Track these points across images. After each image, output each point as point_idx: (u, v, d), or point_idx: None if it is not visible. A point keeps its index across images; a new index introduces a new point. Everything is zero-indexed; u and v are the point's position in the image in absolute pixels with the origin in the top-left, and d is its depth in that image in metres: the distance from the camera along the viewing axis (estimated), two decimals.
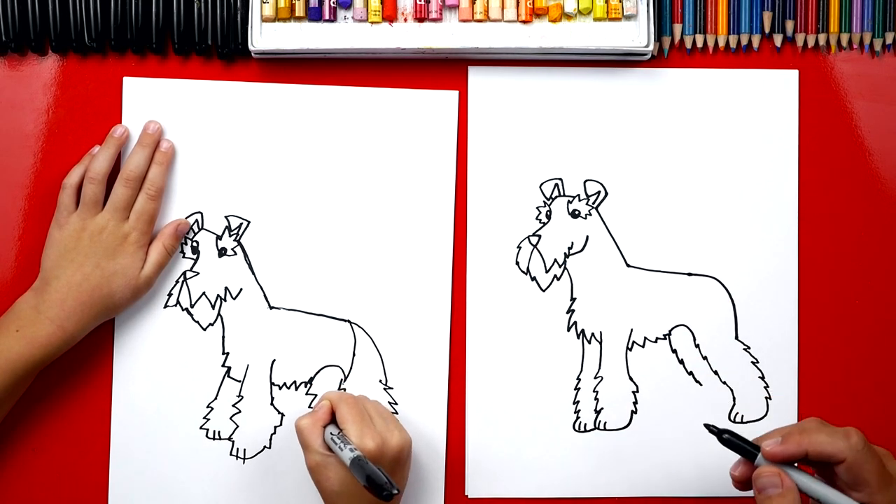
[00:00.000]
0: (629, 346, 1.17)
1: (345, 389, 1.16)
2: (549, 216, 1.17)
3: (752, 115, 1.17)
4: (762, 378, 1.17)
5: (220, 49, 1.15)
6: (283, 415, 1.16)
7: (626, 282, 1.17)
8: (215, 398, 1.16)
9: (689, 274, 1.17)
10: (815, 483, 0.99)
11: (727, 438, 1.00)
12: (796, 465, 1.00)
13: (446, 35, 1.14)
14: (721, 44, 1.17)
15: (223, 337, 1.16)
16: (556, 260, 1.17)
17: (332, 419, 1.10)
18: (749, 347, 1.17)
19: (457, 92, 1.17)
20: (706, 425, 1.02)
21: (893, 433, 1.18)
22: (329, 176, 1.16)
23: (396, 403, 1.16)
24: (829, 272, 1.17)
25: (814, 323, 1.17)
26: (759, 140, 1.17)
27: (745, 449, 1.00)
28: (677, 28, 1.16)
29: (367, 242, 1.16)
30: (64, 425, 1.16)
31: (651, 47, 1.14)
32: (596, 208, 1.17)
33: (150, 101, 1.16)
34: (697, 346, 1.17)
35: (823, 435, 0.99)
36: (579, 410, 1.17)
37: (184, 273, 1.16)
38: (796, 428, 1.00)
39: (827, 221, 1.17)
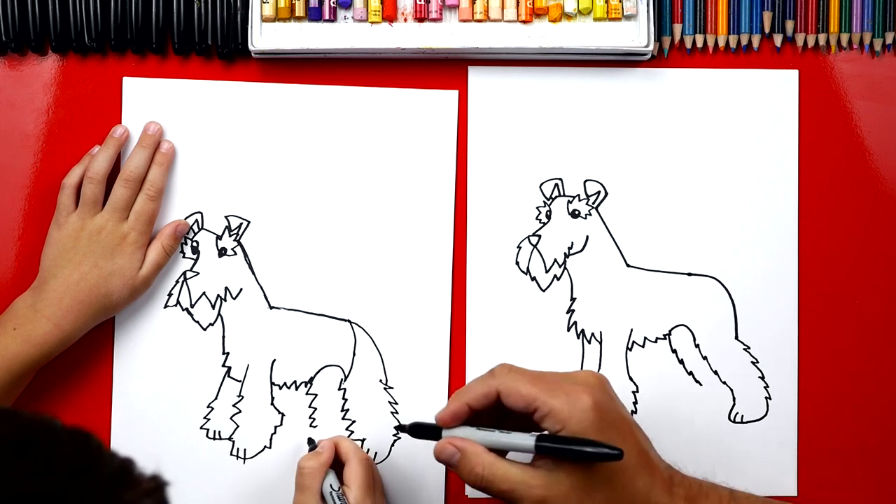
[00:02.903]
0: (629, 346, 1.17)
1: (345, 390, 1.16)
2: (549, 216, 1.17)
3: (752, 115, 1.17)
4: (762, 378, 1.17)
5: (220, 49, 1.15)
6: (283, 415, 1.16)
7: (626, 282, 1.17)
8: (215, 398, 1.16)
9: (689, 274, 1.17)
10: (487, 433, 0.97)
11: (414, 430, 1.01)
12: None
13: (446, 35, 1.14)
14: (721, 44, 1.17)
15: (223, 337, 1.16)
16: (556, 260, 1.17)
17: (332, 465, 1.11)
18: (749, 347, 1.17)
19: (457, 92, 1.17)
20: (396, 426, 1.04)
21: (894, 433, 1.17)
22: (329, 176, 1.16)
23: (396, 403, 1.16)
24: (829, 272, 1.17)
25: (814, 323, 1.17)
26: (759, 140, 1.17)
27: (429, 433, 1.00)
28: (677, 28, 1.16)
29: (367, 242, 1.16)
30: None
31: (651, 47, 1.14)
32: (596, 208, 1.17)
33: (150, 101, 1.16)
34: (697, 346, 1.17)
35: (474, 382, 0.98)
36: None
37: (184, 273, 1.16)
38: (462, 388, 0.99)
39: (827, 221, 1.17)
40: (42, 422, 0.72)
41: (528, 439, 0.94)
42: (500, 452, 0.96)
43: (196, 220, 1.16)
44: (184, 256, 1.16)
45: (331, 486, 1.08)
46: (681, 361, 1.17)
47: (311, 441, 1.14)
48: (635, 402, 1.17)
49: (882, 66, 1.18)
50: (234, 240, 1.16)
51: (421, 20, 1.14)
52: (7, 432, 0.71)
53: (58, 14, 1.14)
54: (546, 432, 0.94)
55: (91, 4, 1.14)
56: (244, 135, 1.16)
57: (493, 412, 0.98)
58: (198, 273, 1.16)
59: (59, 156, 1.15)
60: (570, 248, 1.17)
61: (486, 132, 1.17)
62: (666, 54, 1.17)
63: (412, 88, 1.16)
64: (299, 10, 1.14)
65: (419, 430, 1.00)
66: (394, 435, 1.16)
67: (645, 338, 1.17)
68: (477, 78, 1.17)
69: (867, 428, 1.18)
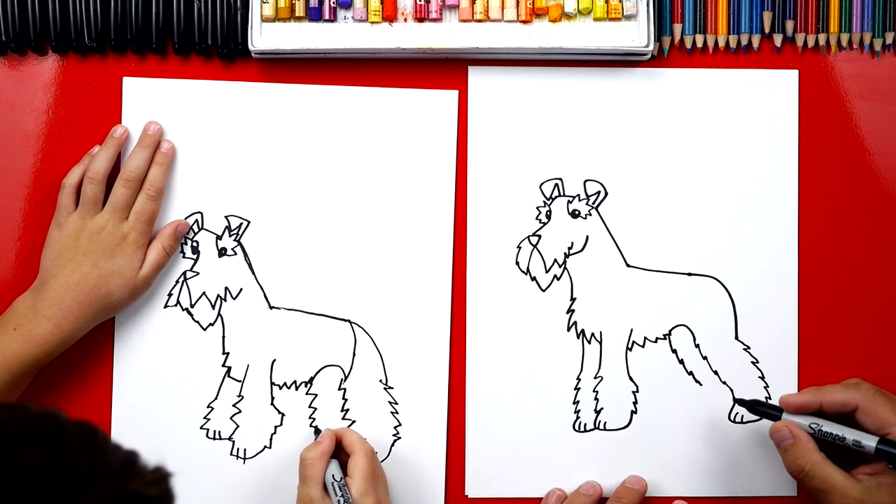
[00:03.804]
0: (629, 346, 1.17)
1: (345, 390, 1.16)
2: (549, 216, 1.17)
3: (752, 115, 1.17)
4: (762, 378, 1.17)
5: (220, 49, 1.15)
6: (283, 415, 1.16)
7: (626, 282, 1.17)
8: (215, 398, 1.16)
9: (689, 274, 1.17)
10: (831, 424, 1.08)
11: (753, 405, 1.11)
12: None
13: (446, 35, 1.14)
14: (721, 44, 1.17)
15: (223, 337, 1.16)
16: (556, 260, 1.17)
17: (334, 456, 1.11)
18: (749, 347, 1.17)
19: (457, 92, 1.17)
20: (736, 399, 1.14)
21: None
22: (329, 176, 1.16)
23: (396, 403, 1.16)
24: (829, 272, 1.17)
25: (814, 323, 1.17)
26: (759, 140, 1.17)
27: (770, 413, 1.10)
28: (677, 28, 1.16)
29: (367, 242, 1.16)
30: None
31: (651, 47, 1.14)
32: (596, 208, 1.17)
33: (150, 101, 1.16)
34: (697, 346, 1.17)
35: (836, 386, 1.10)
36: (579, 410, 1.17)
37: (184, 273, 1.16)
38: (813, 386, 1.12)
39: (827, 221, 1.17)
40: (49, 414, 0.74)
41: (870, 439, 1.05)
42: (826, 446, 1.07)
43: (196, 220, 1.16)
44: (184, 256, 1.16)
45: (333, 476, 1.08)
46: (681, 361, 1.17)
47: (317, 431, 1.15)
48: (635, 402, 1.17)
49: (882, 66, 1.18)
50: (234, 240, 1.16)
51: (421, 20, 1.14)
52: (17, 422, 0.73)
53: (58, 14, 1.14)
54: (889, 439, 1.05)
55: (91, 4, 1.14)
56: (244, 135, 1.16)
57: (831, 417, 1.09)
58: (198, 273, 1.16)
59: (59, 156, 1.15)
60: (570, 248, 1.17)
61: (486, 132, 1.17)
62: (666, 54, 1.17)
63: (412, 88, 1.16)
64: (299, 10, 1.14)
65: (760, 407, 1.11)
66: (393, 435, 1.16)
67: (645, 338, 1.17)
68: (477, 78, 1.17)
69: None
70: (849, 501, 1.04)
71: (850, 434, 1.07)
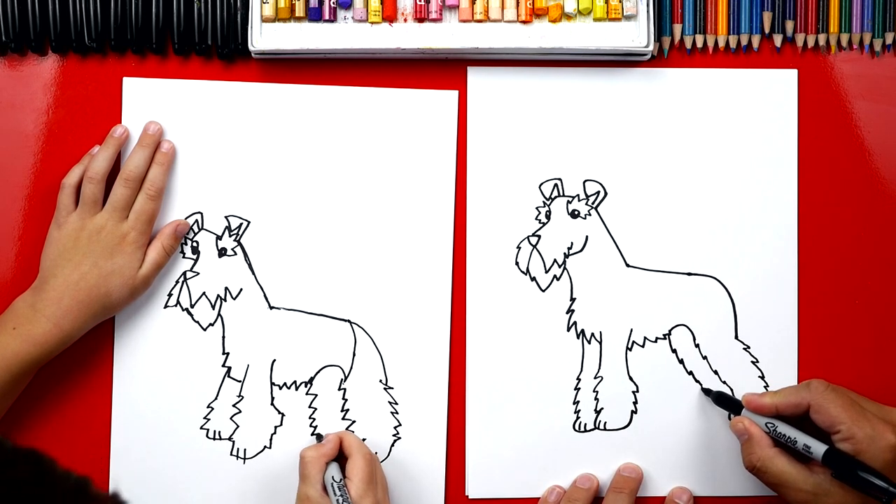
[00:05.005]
0: (629, 346, 1.17)
1: (345, 390, 1.16)
2: (548, 216, 1.17)
3: (752, 115, 1.17)
4: (762, 378, 1.17)
5: (220, 49, 1.15)
6: (283, 415, 1.16)
7: (625, 282, 1.17)
8: (215, 398, 1.16)
9: (689, 274, 1.17)
10: (786, 426, 1.09)
11: (717, 397, 1.15)
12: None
13: (446, 35, 1.14)
14: (721, 44, 1.17)
15: (223, 337, 1.16)
16: (555, 260, 1.17)
17: (336, 458, 1.11)
18: (749, 347, 1.17)
19: (456, 92, 1.17)
20: (703, 388, 1.16)
21: None
22: (329, 176, 1.16)
23: (396, 403, 1.16)
24: (829, 272, 1.17)
25: (814, 323, 1.17)
26: (759, 140, 1.17)
27: (731, 406, 1.14)
28: (677, 28, 1.17)
29: (367, 242, 1.16)
30: (64, 425, 1.16)
31: (651, 47, 1.14)
32: (595, 208, 1.17)
33: (150, 101, 1.16)
34: (697, 345, 1.17)
35: (790, 388, 1.12)
36: (579, 410, 1.17)
37: (184, 273, 1.16)
38: (776, 391, 1.13)
39: (827, 221, 1.17)
40: None
41: (819, 446, 1.06)
42: (785, 443, 1.09)
43: (196, 220, 1.16)
44: (184, 256, 1.16)
45: (332, 477, 1.09)
46: (681, 361, 1.17)
47: (318, 437, 1.15)
48: (635, 402, 1.17)
49: (882, 66, 1.18)
50: (234, 240, 1.16)
51: (421, 20, 1.14)
52: None
53: (58, 14, 1.14)
54: (838, 448, 1.06)
55: (91, 4, 1.14)
56: (244, 135, 1.16)
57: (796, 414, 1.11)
58: (198, 273, 1.16)
59: (59, 156, 1.15)
60: (569, 249, 1.17)
61: (486, 132, 1.17)
62: (666, 54, 1.17)
63: (412, 88, 1.16)
64: (299, 11, 1.14)
65: (723, 400, 1.15)
66: (393, 435, 1.16)
67: (645, 338, 1.17)
68: (477, 78, 1.17)
69: None
70: (801, 495, 1.06)
71: (801, 438, 1.08)
